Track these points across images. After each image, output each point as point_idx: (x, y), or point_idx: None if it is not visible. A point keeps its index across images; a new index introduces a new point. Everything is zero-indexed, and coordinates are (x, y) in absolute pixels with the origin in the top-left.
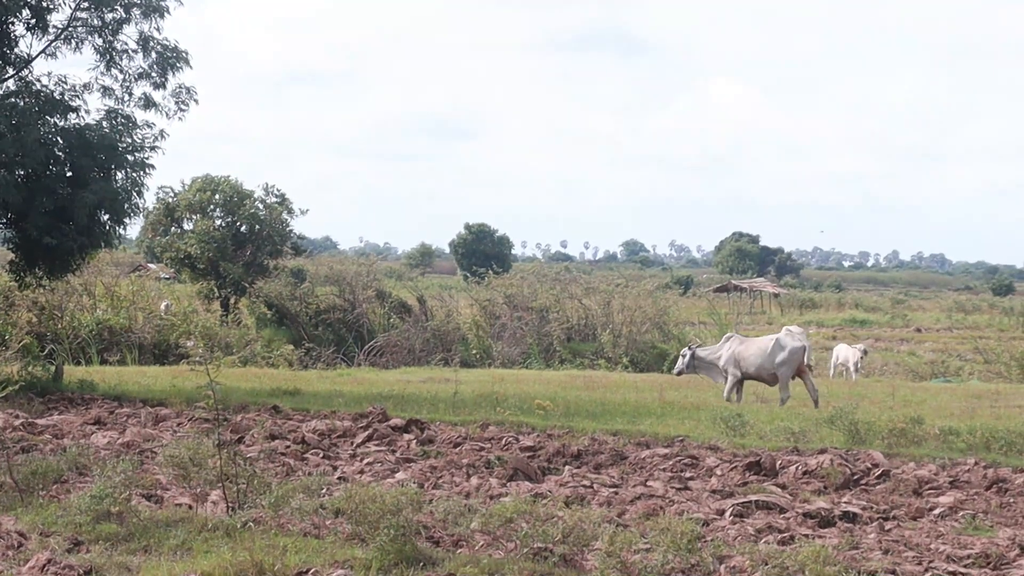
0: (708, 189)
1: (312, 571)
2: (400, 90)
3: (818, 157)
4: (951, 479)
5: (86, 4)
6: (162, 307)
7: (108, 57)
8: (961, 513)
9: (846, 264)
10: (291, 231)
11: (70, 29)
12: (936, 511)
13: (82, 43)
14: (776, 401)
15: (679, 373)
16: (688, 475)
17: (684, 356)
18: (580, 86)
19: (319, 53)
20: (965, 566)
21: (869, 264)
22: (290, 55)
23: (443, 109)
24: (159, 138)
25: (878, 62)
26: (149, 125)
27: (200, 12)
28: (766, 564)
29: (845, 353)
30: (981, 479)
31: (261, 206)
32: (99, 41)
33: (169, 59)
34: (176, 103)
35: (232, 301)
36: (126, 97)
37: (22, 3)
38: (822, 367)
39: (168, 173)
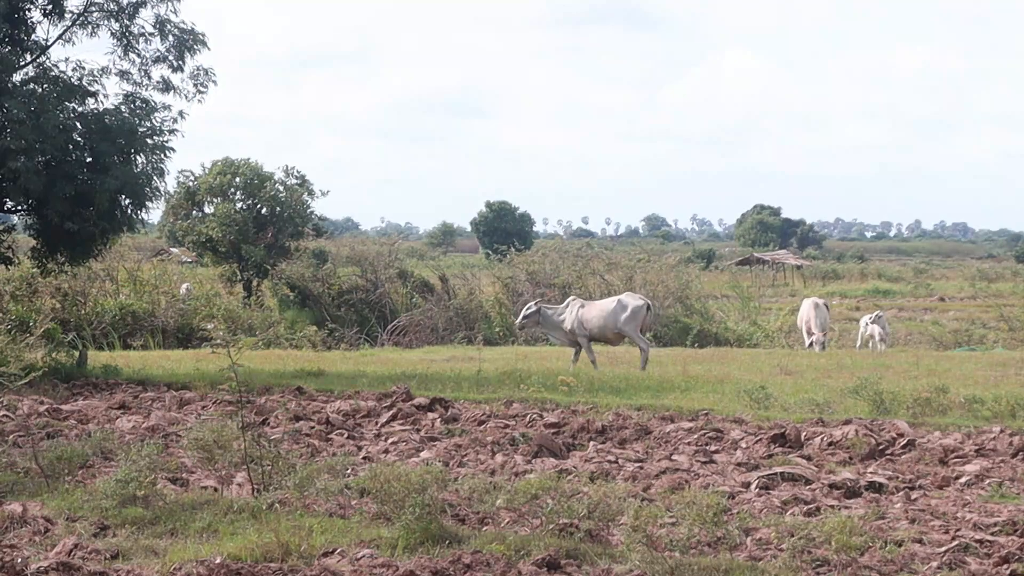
0: (725, 161)
1: (338, 551)
2: (412, 69)
3: (833, 128)
4: (977, 447)
5: None
6: (183, 289)
7: (125, 41)
8: (987, 481)
9: (868, 235)
10: (312, 212)
11: (86, 14)
12: (962, 480)
13: (98, 28)
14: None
15: (521, 327)
16: (713, 448)
17: (529, 308)
18: (591, 61)
19: (328, 34)
20: (992, 534)
21: (891, 234)
22: (298, 37)
23: (456, 87)
24: (178, 120)
25: (889, 31)
26: (167, 107)
27: None
28: (792, 536)
29: (870, 324)
30: (1007, 447)
31: (281, 188)
32: (116, 25)
33: (186, 41)
34: (195, 85)
35: (254, 283)
36: (144, 81)
37: None
38: (847, 338)
39: (185, 157)
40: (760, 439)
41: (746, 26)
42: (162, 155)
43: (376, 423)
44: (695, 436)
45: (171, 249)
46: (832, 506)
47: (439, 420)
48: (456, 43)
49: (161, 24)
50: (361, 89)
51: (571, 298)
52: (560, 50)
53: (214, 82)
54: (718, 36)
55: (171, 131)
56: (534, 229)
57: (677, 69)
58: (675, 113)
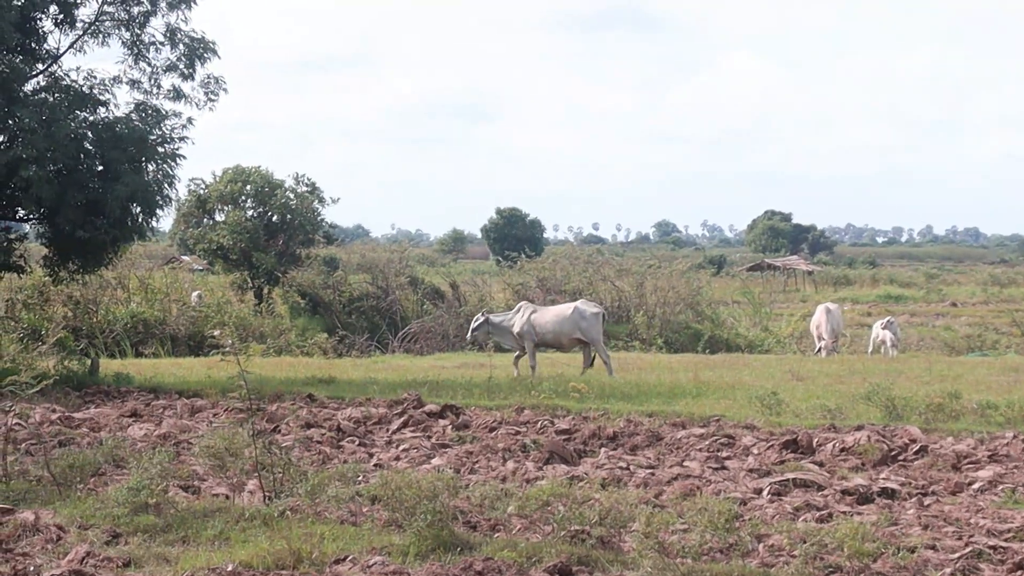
0: (735, 166)
1: (349, 558)
2: (417, 73)
3: (839, 130)
4: (990, 453)
5: None
6: (194, 297)
7: (136, 50)
8: (1001, 487)
9: (880, 240)
10: (323, 220)
11: (97, 23)
12: (975, 485)
13: (109, 37)
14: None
15: (472, 340)
16: (724, 455)
17: (477, 320)
18: (597, 64)
19: (334, 39)
20: (1006, 540)
21: (903, 239)
22: (303, 41)
23: (461, 91)
24: (187, 127)
25: (894, 32)
26: (176, 115)
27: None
28: (804, 542)
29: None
30: (1020, 452)
31: (292, 196)
32: (126, 35)
33: (197, 50)
34: (205, 93)
35: (265, 291)
36: (155, 89)
37: None
38: (858, 344)
39: (193, 163)
40: (772, 445)
41: (752, 29)
42: (172, 163)
43: (387, 430)
44: (707, 442)
45: (182, 257)
46: (844, 512)
47: (450, 427)
48: (459, 46)
49: (172, 33)
50: (368, 94)
51: (522, 303)
52: (564, 54)
53: (225, 90)
54: (725, 39)
55: (181, 139)
56: (544, 235)
57: (683, 73)
58: (681, 116)
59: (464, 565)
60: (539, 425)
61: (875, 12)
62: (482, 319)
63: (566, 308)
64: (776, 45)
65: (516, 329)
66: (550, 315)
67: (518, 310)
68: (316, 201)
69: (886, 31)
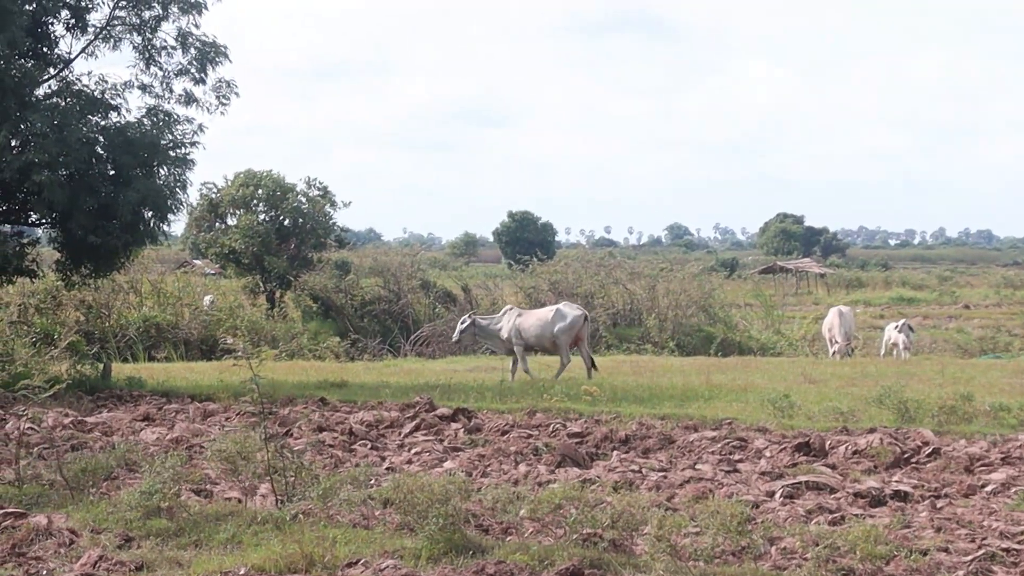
0: (747, 169)
1: (362, 562)
2: (430, 79)
3: (852, 135)
4: (1003, 455)
5: (124, 3)
6: (206, 301)
7: (147, 55)
8: (1013, 489)
9: (892, 242)
10: (334, 224)
11: (109, 28)
12: (988, 488)
13: (121, 42)
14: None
15: (457, 341)
16: (737, 457)
17: (463, 323)
18: (609, 70)
19: (346, 45)
20: (1019, 542)
21: (915, 242)
22: (314, 47)
23: (474, 96)
24: (199, 132)
25: (905, 37)
26: (189, 120)
27: (223, 4)
28: (817, 545)
29: (895, 332)
30: None
31: (304, 200)
32: (138, 39)
33: (208, 54)
34: (217, 98)
35: (277, 295)
36: (166, 94)
37: (61, 4)
38: (871, 346)
39: (206, 168)
40: (784, 448)
41: (764, 33)
42: (184, 167)
43: (399, 433)
44: (719, 445)
45: (194, 261)
46: (857, 515)
47: (462, 430)
48: (472, 52)
49: (183, 37)
50: (380, 99)
51: (508, 307)
52: (576, 59)
53: (236, 94)
54: (735, 44)
55: (193, 144)
56: (556, 239)
57: (694, 78)
58: (696, 121)
59: (476, 568)
60: (551, 428)
61: (885, 17)
62: (468, 321)
63: (548, 311)
64: (787, 50)
65: (504, 334)
66: (533, 318)
67: (504, 314)
68: (328, 205)
69: (896, 36)
